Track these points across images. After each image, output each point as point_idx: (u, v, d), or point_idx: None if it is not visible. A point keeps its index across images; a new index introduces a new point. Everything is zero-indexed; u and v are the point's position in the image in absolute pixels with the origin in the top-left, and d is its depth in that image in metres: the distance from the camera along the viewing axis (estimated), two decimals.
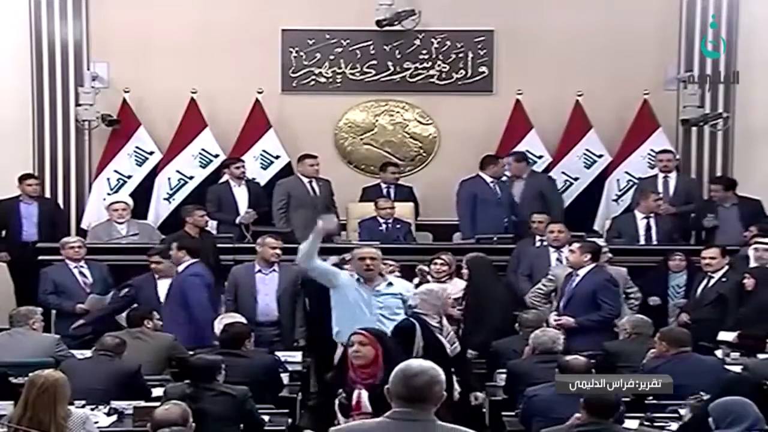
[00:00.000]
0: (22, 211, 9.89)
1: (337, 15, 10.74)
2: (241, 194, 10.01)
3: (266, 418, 5.95)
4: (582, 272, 7.90)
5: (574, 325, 7.68)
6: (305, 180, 10.14)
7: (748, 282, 7.95)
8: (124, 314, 7.93)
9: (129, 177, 10.60)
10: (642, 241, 9.48)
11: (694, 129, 10.75)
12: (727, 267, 8.30)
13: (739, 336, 7.70)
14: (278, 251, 8.31)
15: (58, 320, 8.65)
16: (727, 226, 9.47)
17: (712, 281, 8.28)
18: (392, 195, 10.30)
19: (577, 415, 5.09)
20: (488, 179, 9.98)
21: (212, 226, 9.94)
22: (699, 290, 8.36)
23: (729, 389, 5.30)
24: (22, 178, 10.00)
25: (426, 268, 8.34)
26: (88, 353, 6.85)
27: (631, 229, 9.58)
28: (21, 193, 9.94)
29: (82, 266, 8.72)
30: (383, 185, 10.41)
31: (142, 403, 5.93)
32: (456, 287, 8.11)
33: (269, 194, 10.20)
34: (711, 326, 7.74)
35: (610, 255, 8.55)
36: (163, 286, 8.15)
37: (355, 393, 5.48)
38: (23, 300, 8.87)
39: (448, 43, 10.89)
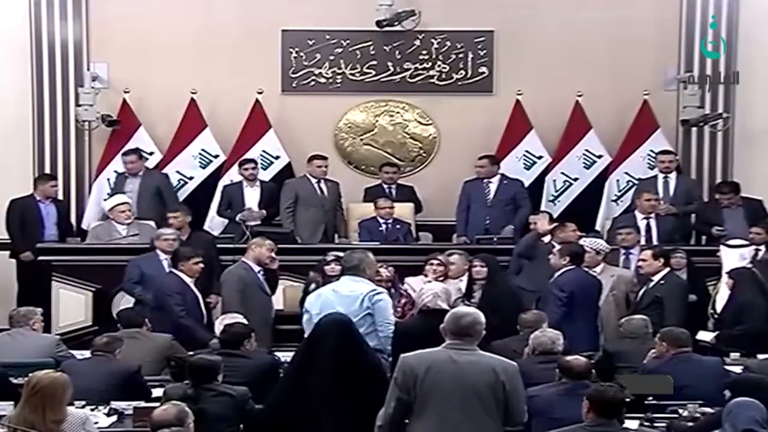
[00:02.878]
0: (42, 212, 9.89)
1: (337, 15, 10.74)
2: (251, 194, 10.07)
3: None
4: (556, 275, 7.99)
5: None
6: (313, 180, 10.17)
7: (727, 283, 7.98)
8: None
9: None
10: (642, 241, 9.47)
11: (694, 129, 10.75)
12: (667, 270, 8.21)
13: (717, 337, 7.72)
14: (273, 255, 8.32)
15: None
16: (735, 228, 9.45)
17: (651, 284, 8.15)
18: (393, 195, 10.33)
19: None
20: (483, 180, 10.15)
21: (220, 224, 10.17)
22: (640, 294, 8.25)
23: (743, 390, 5.29)
24: (44, 179, 10.04)
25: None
26: (88, 353, 6.85)
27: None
28: (36, 192, 9.93)
29: (166, 259, 8.61)
30: (384, 185, 10.44)
31: (142, 404, 5.92)
32: (450, 287, 8.16)
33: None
34: None
35: (605, 251, 8.51)
36: None
37: None
38: (24, 301, 8.87)
39: (448, 43, 10.89)
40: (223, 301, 8.25)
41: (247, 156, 10.39)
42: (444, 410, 4.82)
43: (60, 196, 10.36)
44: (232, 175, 10.38)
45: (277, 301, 8.58)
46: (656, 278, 8.14)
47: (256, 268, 8.27)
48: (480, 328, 4.99)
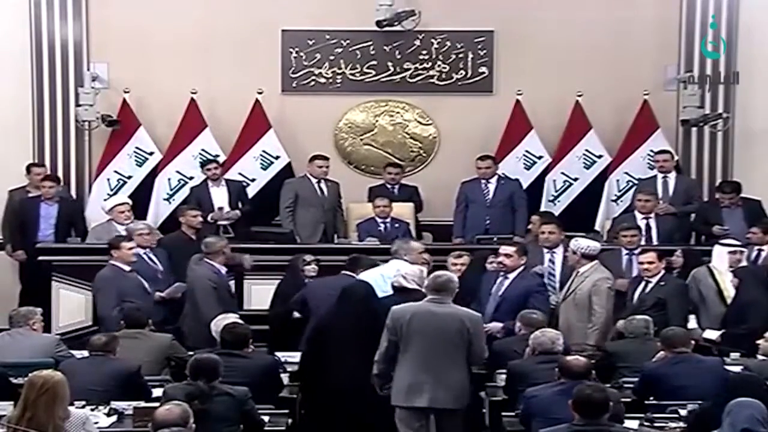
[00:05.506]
0: (41, 212, 9.85)
1: (337, 15, 10.74)
2: (218, 194, 10.01)
3: (266, 418, 5.97)
4: (512, 276, 7.91)
5: (499, 332, 7.59)
6: (313, 180, 10.16)
7: (732, 281, 7.99)
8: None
9: (129, 177, 10.61)
10: (642, 241, 9.47)
11: (694, 129, 10.74)
12: (664, 271, 8.15)
13: (723, 335, 7.73)
14: None
15: None
16: (734, 228, 9.42)
17: (650, 286, 8.05)
18: (396, 194, 10.34)
19: None
20: (481, 179, 10.15)
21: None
22: (636, 296, 8.12)
23: (737, 391, 5.29)
24: (40, 180, 9.99)
25: None
26: (87, 353, 6.85)
27: None
28: (41, 193, 9.91)
29: (148, 253, 8.68)
30: (388, 185, 10.45)
31: (142, 404, 5.94)
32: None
33: (269, 195, 10.26)
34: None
35: (590, 253, 8.20)
36: None
37: None
38: (26, 301, 8.86)
39: (448, 43, 10.89)
40: (197, 301, 8.16)
41: (248, 155, 10.42)
42: (423, 348, 6.25)
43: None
44: (231, 174, 10.38)
45: None
46: (654, 280, 8.09)
47: (224, 270, 8.36)
48: (453, 286, 6.42)
